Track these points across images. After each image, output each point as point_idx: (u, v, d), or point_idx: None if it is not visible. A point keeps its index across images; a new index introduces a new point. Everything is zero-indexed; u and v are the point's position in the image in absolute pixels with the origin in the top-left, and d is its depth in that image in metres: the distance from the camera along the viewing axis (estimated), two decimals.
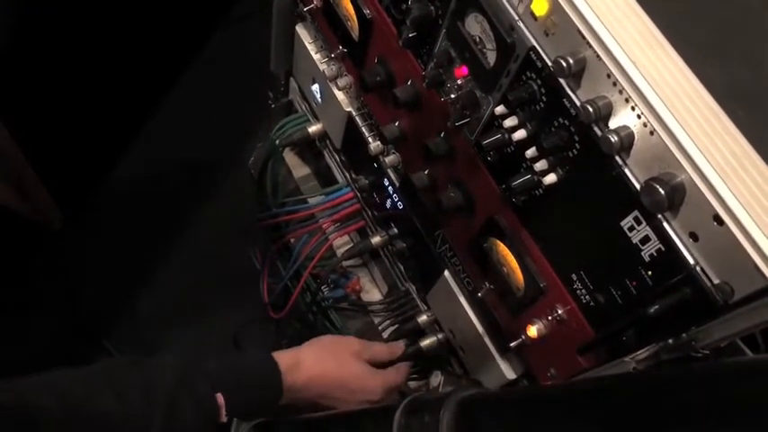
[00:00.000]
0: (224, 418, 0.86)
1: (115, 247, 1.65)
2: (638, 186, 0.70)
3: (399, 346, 1.18)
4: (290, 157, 1.50)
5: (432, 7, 0.88)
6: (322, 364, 1.01)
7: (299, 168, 1.50)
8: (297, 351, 1.01)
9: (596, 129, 0.72)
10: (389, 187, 1.17)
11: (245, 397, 0.89)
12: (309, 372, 0.98)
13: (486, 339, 1.07)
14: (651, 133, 0.68)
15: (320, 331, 1.38)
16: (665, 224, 0.70)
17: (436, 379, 1.23)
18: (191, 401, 0.82)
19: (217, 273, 1.62)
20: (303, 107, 1.38)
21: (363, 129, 1.18)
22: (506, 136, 0.82)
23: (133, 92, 1.77)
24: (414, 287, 1.26)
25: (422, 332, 1.24)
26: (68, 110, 1.62)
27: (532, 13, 0.75)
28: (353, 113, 1.19)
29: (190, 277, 1.64)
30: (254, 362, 0.95)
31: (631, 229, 0.73)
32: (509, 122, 0.82)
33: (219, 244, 1.66)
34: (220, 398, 0.85)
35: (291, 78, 1.38)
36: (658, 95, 0.67)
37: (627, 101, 0.69)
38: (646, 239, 0.72)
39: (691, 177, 0.65)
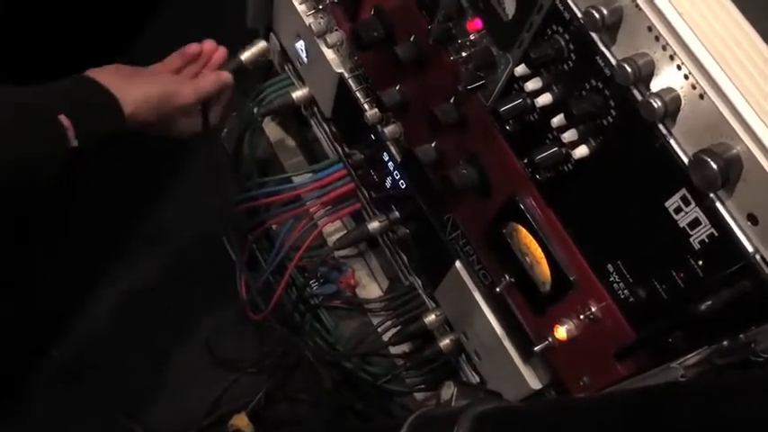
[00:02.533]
0: (73, 142, 0.96)
1: (65, 233, 1.65)
2: (685, 160, 0.70)
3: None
4: (270, 129, 1.50)
5: None
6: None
7: (281, 141, 1.50)
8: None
9: (635, 92, 0.72)
10: (389, 163, 1.17)
11: (87, 114, 1.00)
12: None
13: (506, 343, 1.08)
14: (701, 97, 0.68)
15: (308, 334, 1.39)
16: (719, 205, 0.70)
17: (448, 391, 1.23)
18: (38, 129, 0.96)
19: (185, 266, 1.62)
20: (286, 69, 1.38)
21: (358, 94, 1.18)
22: (528, 101, 0.83)
23: (94, 52, 1.76)
24: (419, 281, 1.26)
25: (429, 334, 1.25)
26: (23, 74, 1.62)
27: None
28: (346, 76, 1.19)
29: (152, 272, 1.64)
30: (80, 84, 1.05)
31: (678, 210, 0.73)
32: (531, 85, 0.82)
33: (187, 231, 1.65)
34: (64, 119, 0.96)
35: (272, 35, 1.38)
36: (709, 52, 0.67)
37: (672, 58, 0.69)
38: (695, 223, 0.72)
39: (748, 149, 0.66)
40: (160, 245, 1.65)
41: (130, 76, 1.09)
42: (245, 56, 1.23)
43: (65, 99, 1.01)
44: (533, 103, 0.82)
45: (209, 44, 1.18)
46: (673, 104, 0.69)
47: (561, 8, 0.76)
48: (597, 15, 0.71)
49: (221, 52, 1.19)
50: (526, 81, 0.82)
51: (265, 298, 1.36)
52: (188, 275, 1.59)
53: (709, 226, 0.71)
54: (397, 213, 1.23)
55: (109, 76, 1.05)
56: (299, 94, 1.32)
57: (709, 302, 0.71)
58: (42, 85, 1.03)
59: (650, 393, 0.74)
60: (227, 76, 1.17)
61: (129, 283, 1.61)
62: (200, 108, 1.14)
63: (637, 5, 0.70)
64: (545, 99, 0.81)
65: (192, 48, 1.17)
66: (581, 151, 0.80)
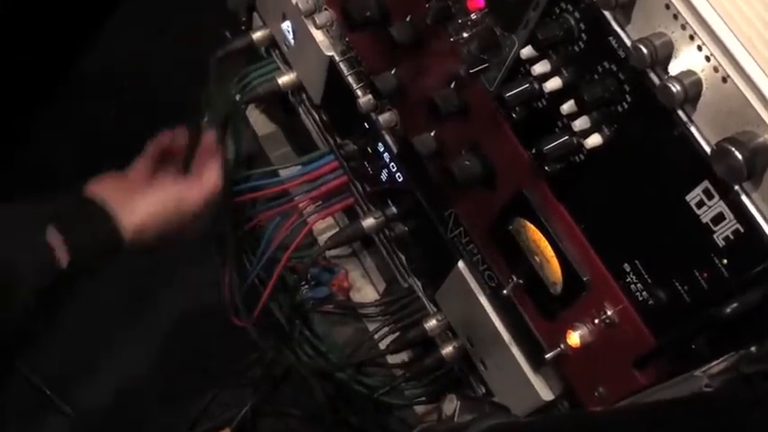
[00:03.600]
0: (63, 263, 0.96)
1: None
2: (707, 150, 0.70)
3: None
4: (255, 117, 1.50)
5: None
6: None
7: (267, 131, 1.50)
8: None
9: (652, 75, 0.72)
10: (385, 154, 1.17)
11: (81, 233, 1.00)
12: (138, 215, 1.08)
13: (515, 350, 1.08)
14: (724, 80, 0.67)
15: (298, 342, 1.39)
16: (744, 198, 0.70)
17: (450, 405, 1.23)
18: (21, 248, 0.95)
19: (163, 269, 1.62)
20: (271, 52, 1.37)
21: (350, 79, 1.17)
22: (536, 86, 0.83)
23: (65, 35, 1.77)
24: (419, 283, 1.26)
25: (430, 342, 1.25)
26: None
27: None
28: (336, 59, 1.18)
29: (125, 276, 1.63)
30: (77, 203, 1.06)
31: (700, 204, 0.73)
32: (539, 68, 0.81)
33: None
34: (54, 237, 0.96)
35: (255, 14, 1.38)
36: (732, 31, 0.67)
37: (692, 38, 0.69)
38: (719, 218, 0.72)
39: None
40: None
41: (125, 192, 1.08)
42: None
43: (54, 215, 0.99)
44: (541, 89, 0.82)
45: (181, 136, 1.19)
46: (693, 89, 0.69)
47: None
48: None
49: (210, 138, 1.21)
50: (533, 64, 0.82)
51: (250, 303, 1.36)
52: (162, 277, 1.59)
53: (735, 221, 0.71)
54: (393, 209, 1.22)
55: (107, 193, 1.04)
56: (285, 79, 1.32)
57: (735, 304, 0.71)
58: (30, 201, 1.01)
59: (672, 406, 0.74)
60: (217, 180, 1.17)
61: (97, 287, 1.61)
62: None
63: None
64: (554, 84, 0.81)
65: (163, 140, 1.17)
66: (593, 140, 0.79)
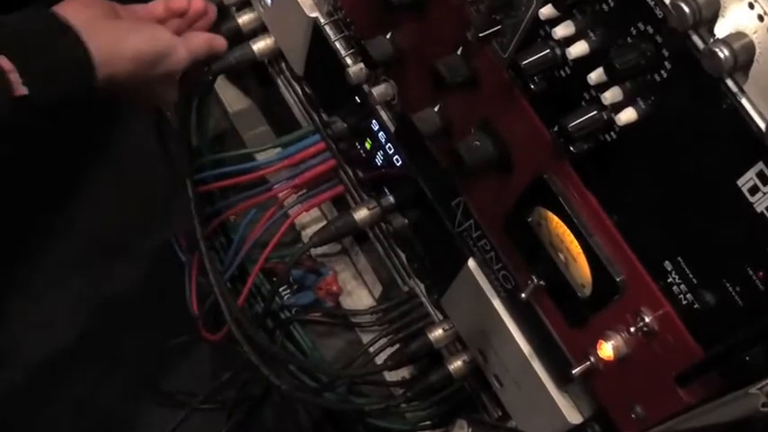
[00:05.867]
0: (21, 89, 0.96)
1: None
2: (762, 126, 0.70)
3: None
4: (225, 91, 1.50)
5: None
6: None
7: (239, 107, 1.50)
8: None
9: (695, 38, 0.72)
10: (380, 133, 1.18)
11: (41, 58, 1.00)
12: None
13: (535, 364, 1.08)
14: None
15: (280, 357, 1.39)
16: None
17: (460, 431, 1.24)
18: None
19: (120, 271, 1.63)
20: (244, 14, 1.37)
21: (337, 44, 1.18)
22: (558, 52, 0.83)
23: None
24: (421, 286, 1.27)
25: (436, 355, 1.25)
26: None
27: None
28: (321, 21, 1.19)
29: (77, 281, 1.64)
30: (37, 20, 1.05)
31: (754, 190, 0.73)
32: (562, 31, 0.81)
33: (122, 225, 1.66)
34: (5, 61, 0.96)
35: None
36: None
37: None
38: None
39: None
40: (89, 245, 1.65)
41: (111, 19, 1.10)
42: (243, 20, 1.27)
43: (9, 36, 1.00)
44: (564, 55, 0.82)
45: (197, 2, 1.20)
46: (744, 54, 0.69)
47: None
48: None
49: (212, 12, 1.22)
50: (554, 26, 0.82)
51: (222, 313, 1.35)
52: (122, 283, 1.59)
53: None
54: (391, 198, 1.23)
55: (81, 14, 1.04)
56: (261, 45, 1.32)
57: None
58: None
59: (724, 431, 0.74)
60: (222, 42, 1.21)
61: (52, 296, 1.61)
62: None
63: None
64: (579, 49, 0.81)
65: (179, 2, 1.19)
66: (627, 116, 0.79)
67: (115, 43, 1.05)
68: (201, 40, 1.19)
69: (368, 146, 1.21)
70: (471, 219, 1.08)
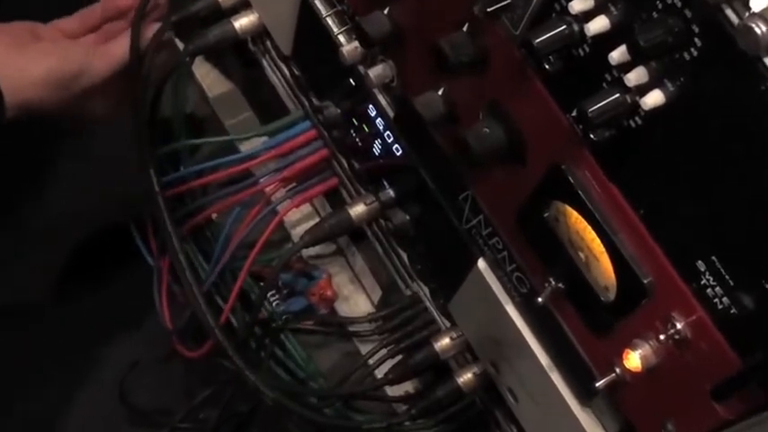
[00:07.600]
0: None
1: None
2: None
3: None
4: (204, 73, 1.50)
5: None
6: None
7: (220, 91, 1.50)
8: None
9: (729, 13, 0.73)
10: (378, 120, 1.19)
11: None
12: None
13: (554, 376, 1.09)
14: None
15: (268, 371, 1.39)
16: None
17: None
18: None
19: (85, 279, 1.63)
20: None
21: (329, 21, 1.19)
22: (575, 28, 0.83)
23: None
24: (426, 290, 1.27)
25: (443, 367, 1.26)
26: None
27: None
28: None
29: (39, 288, 1.64)
30: None
31: None
32: (579, 5, 0.82)
33: (86, 226, 1.66)
34: None
35: None
36: None
37: None
38: None
39: None
40: (53, 252, 1.65)
41: (21, 45, 1.14)
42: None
43: None
44: (582, 31, 0.82)
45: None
46: None
47: None
48: None
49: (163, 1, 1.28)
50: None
51: (203, 322, 1.34)
52: (90, 291, 1.59)
53: None
54: (390, 192, 1.24)
55: None
56: (244, 22, 1.32)
57: None
58: None
59: None
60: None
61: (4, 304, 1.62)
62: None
63: None
64: (599, 24, 0.81)
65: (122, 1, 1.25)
66: (653, 99, 0.80)
67: (22, 70, 1.10)
68: (122, 50, 1.22)
69: (364, 133, 1.22)
70: (481, 214, 1.09)
